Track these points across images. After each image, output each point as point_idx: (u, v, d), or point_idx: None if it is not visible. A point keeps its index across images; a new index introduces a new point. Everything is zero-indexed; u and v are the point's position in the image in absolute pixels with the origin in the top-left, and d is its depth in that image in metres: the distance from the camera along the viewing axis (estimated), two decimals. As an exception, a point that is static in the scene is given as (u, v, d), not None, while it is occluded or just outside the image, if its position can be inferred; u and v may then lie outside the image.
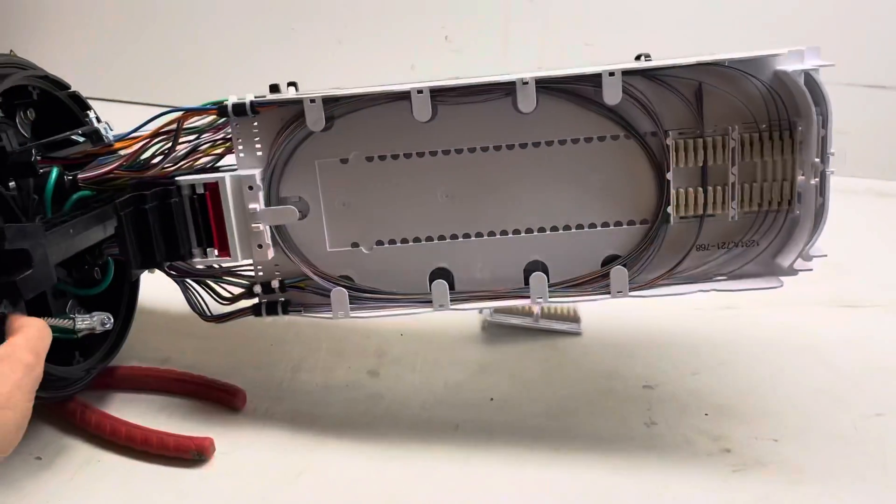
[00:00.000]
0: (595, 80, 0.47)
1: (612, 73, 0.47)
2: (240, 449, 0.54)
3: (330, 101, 0.48)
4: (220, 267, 0.53)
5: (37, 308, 0.50)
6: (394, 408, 0.57)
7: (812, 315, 0.67)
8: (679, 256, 0.50)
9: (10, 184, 0.49)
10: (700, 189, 0.49)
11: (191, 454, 0.53)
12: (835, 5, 0.78)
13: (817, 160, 0.47)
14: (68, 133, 0.52)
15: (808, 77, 0.47)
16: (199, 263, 0.52)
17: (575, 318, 0.63)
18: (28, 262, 0.43)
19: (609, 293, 0.50)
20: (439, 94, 0.48)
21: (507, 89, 0.48)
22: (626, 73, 0.47)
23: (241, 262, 0.51)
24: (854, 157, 0.71)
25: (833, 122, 0.48)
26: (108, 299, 0.59)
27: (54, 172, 0.50)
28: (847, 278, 0.72)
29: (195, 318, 0.55)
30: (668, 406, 0.57)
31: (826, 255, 0.50)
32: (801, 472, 0.51)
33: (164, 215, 0.50)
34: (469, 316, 0.64)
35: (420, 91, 0.47)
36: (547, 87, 0.48)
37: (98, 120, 0.52)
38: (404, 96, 0.48)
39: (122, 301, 0.60)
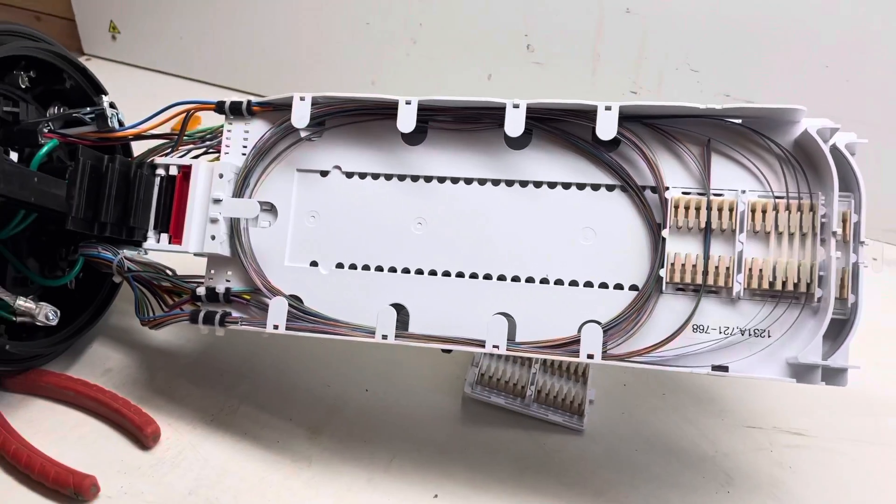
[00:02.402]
0: (590, 115, 0.44)
1: (608, 108, 0.43)
2: (126, 496, 0.47)
3: (318, 102, 0.47)
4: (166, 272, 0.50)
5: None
6: (315, 480, 0.49)
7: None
8: (669, 333, 0.43)
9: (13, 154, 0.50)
10: (700, 256, 0.43)
11: (68, 491, 0.47)
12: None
13: (838, 253, 0.40)
14: (72, 111, 0.53)
15: (837, 153, 0.42)
16: (149, 246, 0.49)
17: (578, 412, 0.52)
18: (-32, 173, 0.42)
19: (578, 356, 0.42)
20: (429, 113, 0.46)
21: (498, 118, 0.45)
22: (624, 114, 0.43)
23: (193, 250, 0.48)
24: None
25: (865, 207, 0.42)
26: (78, 302, 0.57)
27: (49, 144, 0.51)
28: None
29: (165, 342, 0.52)
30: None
31: (859, 367, 0.41)
32: None
33: (125, 181, 0.48)
34: (450, 384, 0.55)
35: (408, 102, 0.45)
36: (541, 119, 0.45)
37: (112, 106, 0.53)
38: (393, 107, 0.46)
39: (94, 301, 0.58)
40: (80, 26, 1.06)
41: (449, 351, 0.50)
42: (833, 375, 0.42)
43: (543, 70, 0.76)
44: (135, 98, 0.59)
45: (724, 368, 0.41)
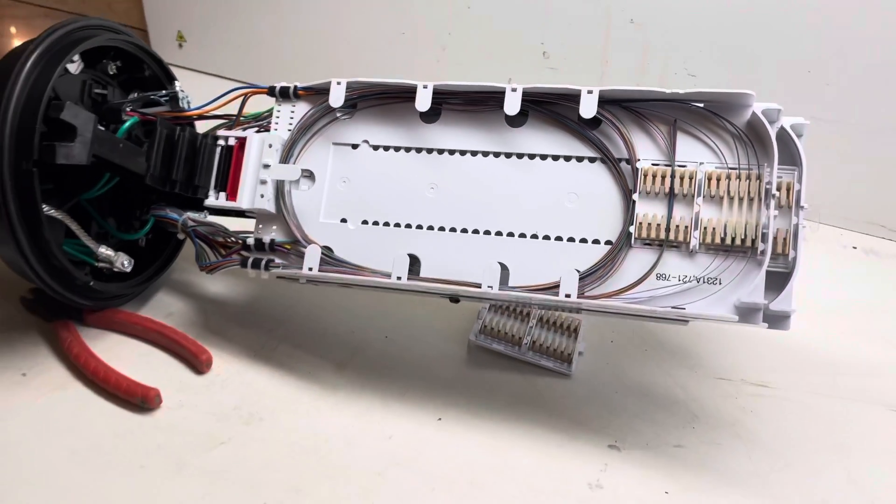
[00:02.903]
0: (576, 99, 0.52)
1: (590, 91, 0.52)
2: (183, 408, 0.57)
3: (353, 86, 0.57)
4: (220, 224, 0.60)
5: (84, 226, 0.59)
6: (339, 404, 0.58)
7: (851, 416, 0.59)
8: (636, 279, 0.51)
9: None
10: (664, 216, 0.51)
11: (136, 400, 0.57)
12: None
13: (774, 212, 0.48)
14: (150, 94, 0.63)
15: (784, 132, 0.50)
16: (209, 203, 0.59)
17: (567, 359, 0.60)
18: (72, 136, 0.53)
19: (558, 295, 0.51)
20: (443, 96, 0.56)
21: (500, 101, 0.54)
22: (603, 98, 0.52)
23: (245, 206, 0.58)
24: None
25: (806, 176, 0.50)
26: (147, 256, 0.67)
27: (130, 120, 0.61)
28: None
29: (218, 293, 0.62)
30: (623, 469, 0.53)
31: (794, 311, 0.49)
32: None
33: (192, 148, 0.59)
34: (458, 335, 0.64)
35: (425, 86, 0.55)
36: (536, 102, 0.54)
37: (181, 90, 0.64)
38: (412, 90, 0.55)
39: (162, 254, 0.68)
40: (151, 36, 1.18)
41: (457, 301, 0.60)
42: (776, 320, 0.50)
43: (557, 74, 0.84)
44: (198, 100, 0.69)
45: (682, 308, 0.49)
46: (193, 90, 0.66)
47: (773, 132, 0.49)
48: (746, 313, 0.49)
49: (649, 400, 0.59)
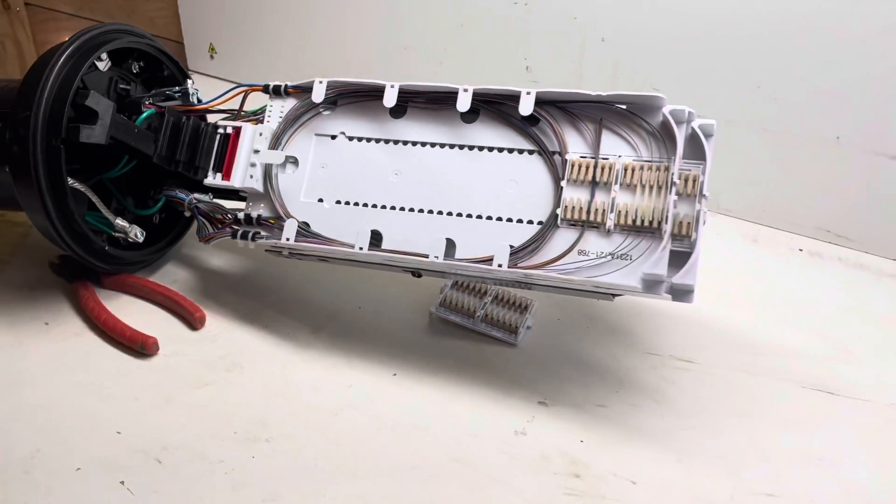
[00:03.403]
0: (518, 99, 0.61)
1: (528, 93, 0.60)
2: (180, 354, 0.67)
3: (332, 85, 0.66)
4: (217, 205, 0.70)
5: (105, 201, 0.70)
6: (311, 359, 0.67)
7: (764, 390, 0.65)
8: (560, 253, 0.59)
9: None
10: (586, 200, 0.59)
11: (137, 346, 0.66)
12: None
13: (674, 198, 0.56)
14: (164, 89, 0.74)
15: (693, 130, 0.58)
16: (208, 182, 0.68)
17: (513, 330, 0.68)
18: (92, 119, 0.63)
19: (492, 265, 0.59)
20: (408, 95, 0.65)
21: (456, 100, 0.63)
22: (539, 99, 0.60)
23: (237, 185, 0.67)
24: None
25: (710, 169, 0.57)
26: (159, 231, 0.78)
27: (147, 112, 0.72)
28: (840, 367, 0.68)
29: (220, 269, 0.71)
30: (548, 422, 0.61)
31: (693, 289, 0.56)
32: None
33: (195, 135, 0.69)
34: (421, 308, 0.72)
35: (392, 86, 0.64)
36: (486, 102, 0.63)
37: (193, 84, 0.74)
38: (382, 89, 0.64)
39: (172, 231, 0.79)
40: (186, 47, 1.30)
41: (419, 276, 0.68)
42: (680, 294, 0.57)
43: (538, 87, 0.93)
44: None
45: (596, 278, 0.57)
46: (234, 102, 0.76)
47: (679, 130, 0.57)
48: (651, 285, 0.56)
49: (583, 368, 0.66)
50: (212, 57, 1.29)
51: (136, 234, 0.72)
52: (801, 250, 0.84)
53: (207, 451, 0.57)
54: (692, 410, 0.62)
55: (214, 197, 0.74)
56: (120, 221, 0.71)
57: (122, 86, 0.73)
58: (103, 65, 0.70)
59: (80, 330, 0.69)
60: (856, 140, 0.79)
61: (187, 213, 0.73)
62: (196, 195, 0.72)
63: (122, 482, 0.54)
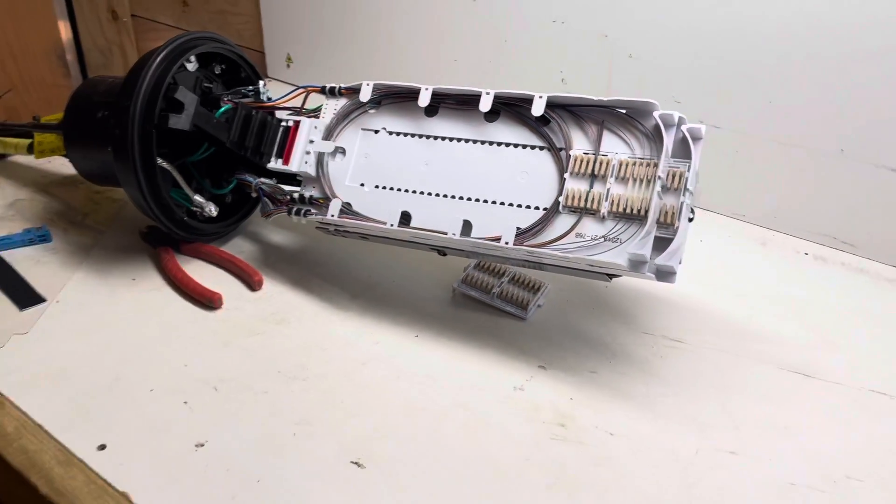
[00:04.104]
0: (531, 101, 0.71)
1: (541, 97, 0.70)
2: (240, 309, 0.79)
3: (377, 87, 0.78)
4: (278, 185, 0.82)
5: (187, 181, 0.83)
6: (349, 318, 0.78)
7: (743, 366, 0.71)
8: (560, 234, 0.68)
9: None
10: (585, 191, 0.68)
11: (205, 300, 0.79)
12: None
13: (658, 189, 0.64)
14: (240, 88, 0.87)
15: (682, 133, 0.66)
16: (271, 166, 0.81)
17: (524, 307, 0.78)
18: (179, 109, 0.76)
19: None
20: (440, 97, 0.75)
21: (479, 101, 0.73)
22: (550, 102, 0.70)
23: (294, 169, 0.79)
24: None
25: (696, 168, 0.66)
26: (230, 209, 0.91)
27: (225, 107, 0.85)
28: (821, 354, 0.75)
29: (279, 244, 0.84)
30: (544, 382, 0.70)
31: (675, 271, 0.64)
32: (605, 462, 0.61)
33: (262, 126, 0.81)
34: (447, 284, 0.82)
35: (427, 88, 0.75)
36: (506, 104, 0.73)
37: (264, 85, 0.87)
38: (418, 91, 0.75)
39: (241, 210, 0.92)
40: (267, 57, 1.45)
41: (444, 254, 0.79)
42: (663, 275, 0.65)
43: (571, 96, 1.02)
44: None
45: (591, 257, 0.66)
46: (296, 100, 0.88)
47: (668, 132, 0.66)
48: (636, 265, 0.65)
49: (582, 341, 0.75)
50: (288, 66, 1.43)
51: (211, 209, 0.85)
52: (806, 254, 0.90)
53: (254, 384, 0.68)
54: (675, 382, 0.70)
55: (277, 182, 0.86)
56: (198, 198, 0.84)
57: (206, 84, 0.87)
58: (192, 66, 0.84)
59: (160, 286, 0.82)
60: (859, 153, 0.85)
61: (254, 194, 0.86)
62: (262, 179, 0.85)
63: (186, 402, 0.66)
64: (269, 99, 0.88)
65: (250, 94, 0.87)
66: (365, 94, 0.78)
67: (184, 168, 0.86)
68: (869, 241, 0.88)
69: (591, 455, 0.62)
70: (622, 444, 0.63)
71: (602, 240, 0.67)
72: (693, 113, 0.94)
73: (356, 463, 0.60)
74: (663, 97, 0.92)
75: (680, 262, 0.68)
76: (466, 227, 0.72)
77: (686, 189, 0.65)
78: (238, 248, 0.90)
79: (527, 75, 1.06)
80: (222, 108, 0.84)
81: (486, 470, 0.60)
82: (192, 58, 0.83)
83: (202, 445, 0.62)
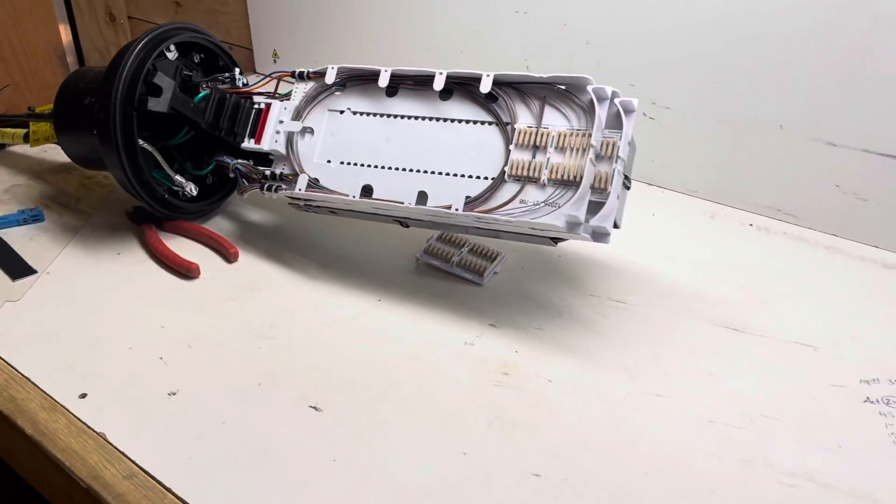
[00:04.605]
0: (479, 80, 0.76)
1: (488, 75, 0.76)
2: (216, 279, 0.85)
3: (341, 70, 0.84)
4: (253, 165, 0.88)
5: (169, 163, 0.89)
6: (316, 285, 0.84)
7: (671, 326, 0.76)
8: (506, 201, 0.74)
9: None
10: (528, 160, 0.74)
11: (184, 270, 0.85)
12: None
13: (592, 156, 0.70)
14: (217, 75, 0.93)
15: (616, 106, 0.72)
16: (244, 145, 0.87)
17: (480, 273, 0.83)
18: (158, 93, 0.83)
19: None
20: (399, 79, 0.81)
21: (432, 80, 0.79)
22: (496, 81, 0.76)
23: (266, 148, 0.85)
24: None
25: (626, 138, 0.71)
26: (211, 190, 0.97)
27: (203, 93, 0.91)
28: (753, 312, 0.80)
29: (255, 221, 0.90)
30: (493, 338, 0.76)
31: (609, 232, 0.70)
32: (541, 404, 0.67)
33: (236, 109, 0.88)
34: (411, 255, 0.88)
35: (386, 70, 0.81)
36: (458, 83, 0.79)
37: (240, 73, 0.93)
38: (379, 73, 0.81)
39: (220, 192, 0.98)
40: (255, 53, 1.52)
41: (406, 226, 0.85)
42: (598, 235, 0.71)
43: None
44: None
45: (534, 221, 0.72)
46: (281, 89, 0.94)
47: (601, 105, 0.71)
48: (572, 226, 0.70)
49: (532, 303, 0.81)
50: (275, 61, 1.49)
51: (191, 188, 0.91)
52: (751, 225, 0.96)
53: (226, 342, 0.74)
54: (613, 337, 0.75)
55: (253, 163, 0.92)
56: (178, 178, 0.90)
57: (185, 72, 0.93)
58: (172, 55, 0.90)
59: (143, 259, 0.88)
60: (796, 128, 0.90)
61: (231, 174, 0.92)
62: (239, 160, 0.91)
63: (161, 358, 0.72)
64: (245, 85, 0.94)
65: (227, 80, 0.93)
66: (330, 77, 0.84)
67: (166, 151, 0.92)
68: (808, 212, 0.93)
69: (528, 398, 0.68)
70: (558, 388, 0.69)
71: (543, 205, 0.72)
72: (645, 95, 1.00)
73: (314, 407, 0.66)
74: (619, 81, 0.98)
75: (616, 226, 0.74)
76: (422, 197, 0.78)
77: (618, 157, 0.71)
78: (218, 225, 0.96)
79: (494, 62, 1.12)
80: (201, 94, 0.90)
81: (432, 411, 0.66)
82: (172, 47, 0.90)
83: (174, 394, 0.68)
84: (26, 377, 0.69)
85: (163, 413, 0.66)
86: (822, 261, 0.89)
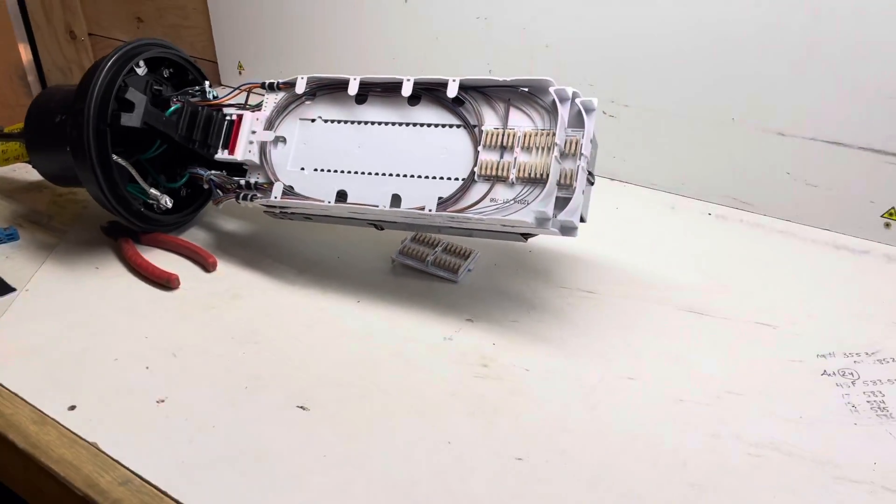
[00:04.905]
0: (446, 85, 0.79)
1: (454, 80, 0.79)
2: (196, 288, 0.87)
3: (311, 80, 0.86)
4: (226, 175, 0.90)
5: (143, 177, 0.90)
6: (296, 291, 0.86)
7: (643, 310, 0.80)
8: (476, 200, 0.77)
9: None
10: (497, 161, 0.77)
11: (164, 281, 0.86)
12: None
13: (556, 155, 0.73)
14: (187, 89, 0.94)
15: (577, 106, 0.76)
16: (217, 157, 0.89)
17: (455, 270, 0.86)
18: (130, 109, 0.84)
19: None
20: (368, 86, 0.84)
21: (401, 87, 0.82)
22: (462, 85, 0.79)
23: (239, 158, 0.87)
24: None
25: (589, 137, 0.75)
26: (185, 202, 0.98)
27: (174, 107, 0.92)
28: (715, 296, 0.84)
29: (232, 231, 0.91)
30: (471, 332, 0.78)
31: (576, 226, 0.73)
32: (520, 392, 0.70)
33: (208, 121, 0.89)
34: (387, 256, 0.91)
35: (355, 78, 0.84)
36: (426, 89, 0.82)
37: (210, 85, 0.95)
38: (348, 82, 0.84)
39: (195, 203, 0.99)
40: (220, 65, 1.53)
41: (381, 228, 0.87)
42: (566, 229, 0.74)
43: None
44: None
45: (505, 218, 0.75)
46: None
47: (563, 106, 0.75)
48: (541, 221, 0.74)
49: (505, 297, 0.84)
50: (240, 73, 1.51)
51: (166, 201, 0.93)
52: (710, 214, 1.00)
53: (210, 349, 0.76)
54: (585, 325, 0.79)
55: (226, 174, 0.94)
56: (153, 191, 0.92)
57: (156, 87, 0.94)
58: (141, 71, 0.92)
59: (122, 272, 0.90)
60: (748, 120, 0.95)
61: (205, 186, 0.94)
62: (213, 171, 0.93)
63: (147, 367, 0.74)
64: (216, 97, 0.96)
65: (197, 94, 0.95)
66: (300, 87, 0.86)
67: (140, 165, 0.93)
68: (762, 199, 0.98)
69: (507, 388, 0.71)
70: (535, 377, 0.72)
71: (512, 202, 0.76)
72: (604, 94, 1.04)
73: (301, 407, 0.69)
74: (579, 81, 1.02)
75: (583, 220, 0.77)
76: (396, 200, 0.80)
77: (581, 154, 0.75)
78: (194, 236, 0.97)
79: (458, 68, 1.15)
80: (172, 108, 0.92)
81: (416, 404, 0.69)
82: (142, 63, 0.91)
83: (163, 401, 0.69)
84: (14, 393, 0.70)
85: (153, 420, 0.67)
86: (776, 245, 0.93)
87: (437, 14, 1.15)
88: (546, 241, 0.92)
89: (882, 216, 0.91)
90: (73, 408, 0.69)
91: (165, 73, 0.96)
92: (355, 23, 1.26)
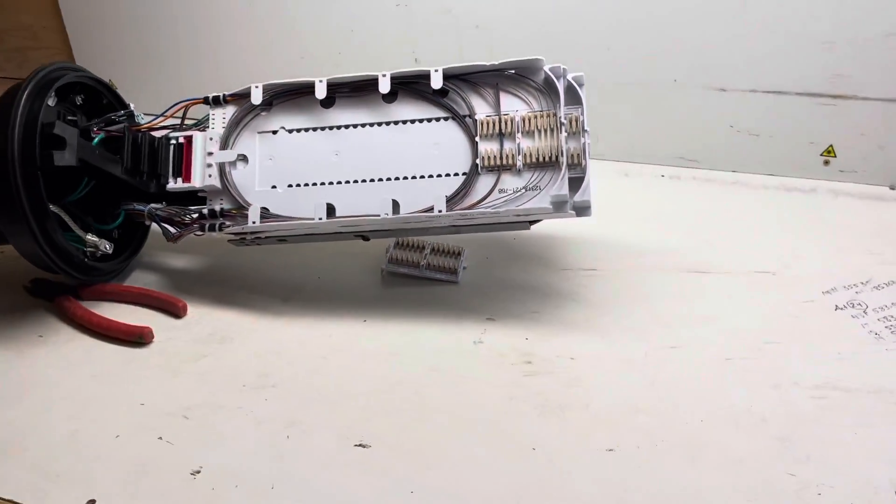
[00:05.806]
0: (428, 77, 0.75)
1: (437, 70, 0.75)
2: (174, 338, 0.76)
3: (267, 87, 0.78)
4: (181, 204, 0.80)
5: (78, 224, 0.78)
6: (288, 322, 0.78)
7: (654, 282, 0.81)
8: (485, 195, 0.73)
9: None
10: (498, 149, 0.74)
11: (135, 338, 0.75)
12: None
13: (564, 135, 0.71)
14: (111, 115, 0.82)
15: (570, 83, 0.74)
16: (171, 187, 0.78)
17: (453, 272, 0.82)
18: (62, 146, 0.72)
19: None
20: (335, 87, 0.77)
21: (376, 86, 0.76)
22: (445, 74, 0.75)
23: (198, 185, 0.77)
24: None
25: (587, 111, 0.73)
26: (122, 243, 0.86)
27: (99, 137, 0.80)
28: (705, 253, 0.86)
29: (184, 268, 0.81)
30: (497, 331, 0.75)
31: (590, 205, 0.72)
32: (577, 383, 0.68)
33: (152, 148, 0.79)
34: (373, 268, 0.85)
35: (321, 80, 0.76)
36: (403, 83, 0.76)
37: (134, 109, 0.83)
38: (312, 85, 0.77)
39: (131, 244, 0.87)
40: (79, 87, 1.36)
41: (367, 239, 0.81)
42: (581, 210, 0.72)
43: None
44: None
45: (518, 208, 0.72)
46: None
47: (559, 83, 0.73)
48: (559, 206, 0.71)
49: (515, 289, 0.81)
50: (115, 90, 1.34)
51: (106, 246, 0.80)
52: (663, 176, 1.03)
53: (225, 402, 0.67)
54: (604, 303, 0.78)
55: (172, 202, 0.83)
56: (90, 237, 0.79)
57: (69, 118, 0.81)
58: (52, 101, 0.78)
59: (73, 336, 0.77)
60: (690, 80, 0.98)
61: (148, 223, 0.82)
62: (153, 205, 0.81)
63: (160, 437, 0.64)
64: (143, 119, 0.84)
65: (122, 119, 0.83)
66: (256, 97, 0.78)
67: (65, 208, 0.80)
68: (709, 155, 1.02)
69: (562, 380, 0.68)
70: (584, 364, 0.70)
71: (523, 190, 0.73)
72: (543, 70, 1.04)
73: (361, 444, 0.62)
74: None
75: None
76: (395, 205, 0.75)
77: (584, 130, 0.73)
78: (141, 281, 0.85)
79: (379, 60, 1.10)
80: (96, 139, 0.80)
81: (479, 417, 0.65)
82: (52, 92, 0.78)
83: (199, 472, 0.60)
84: (11, 500, 0.58)
85: (197, 495, 0.58)
86: (733, 196, 0.98)
87: (350, 5, 1.09)
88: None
89: (821, 154, 0.97)
90: (92, 502, 0.58)
91: (78, 101, 0.83)
92: (249, 21, 1.16)
